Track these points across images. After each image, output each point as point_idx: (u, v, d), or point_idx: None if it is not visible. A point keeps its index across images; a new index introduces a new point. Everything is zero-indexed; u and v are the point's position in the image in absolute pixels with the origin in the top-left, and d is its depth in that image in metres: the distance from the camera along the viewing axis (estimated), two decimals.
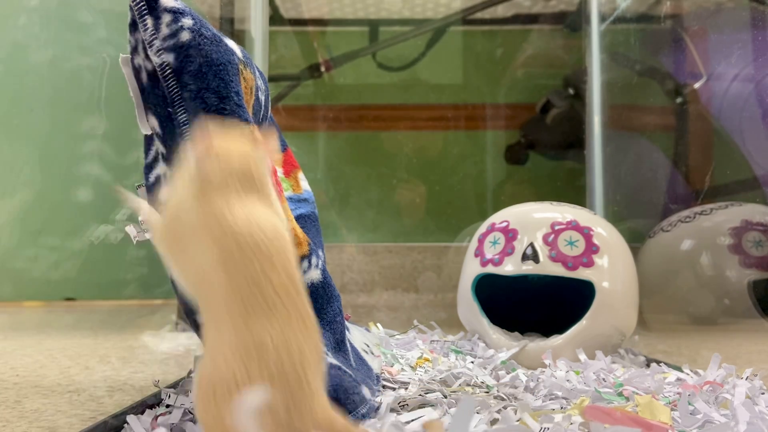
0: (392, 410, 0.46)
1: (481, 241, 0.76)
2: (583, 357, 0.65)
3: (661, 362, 0.67)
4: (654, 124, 1.23)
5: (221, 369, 0.29)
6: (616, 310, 0.69)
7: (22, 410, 0.50)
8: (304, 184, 0.60)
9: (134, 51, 0.40)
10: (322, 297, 0.46)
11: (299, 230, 0.45)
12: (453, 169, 1.50)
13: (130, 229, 0.44)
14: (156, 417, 0.44)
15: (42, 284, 1.35)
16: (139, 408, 0.47)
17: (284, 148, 0.60)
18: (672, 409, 0.46)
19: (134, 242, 0.43)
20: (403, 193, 1.48)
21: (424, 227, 1.48)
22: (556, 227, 0.71)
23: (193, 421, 0.43)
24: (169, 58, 0.39)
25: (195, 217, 0.32)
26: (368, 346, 0.59)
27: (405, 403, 0.47)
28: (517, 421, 0.42)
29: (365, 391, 0.44)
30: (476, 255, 0.76)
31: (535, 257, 0.70)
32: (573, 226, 0.71)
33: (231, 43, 0.44)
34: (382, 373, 0.55)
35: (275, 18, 1.43)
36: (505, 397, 0.50)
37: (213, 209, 0.31)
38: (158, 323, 1.10)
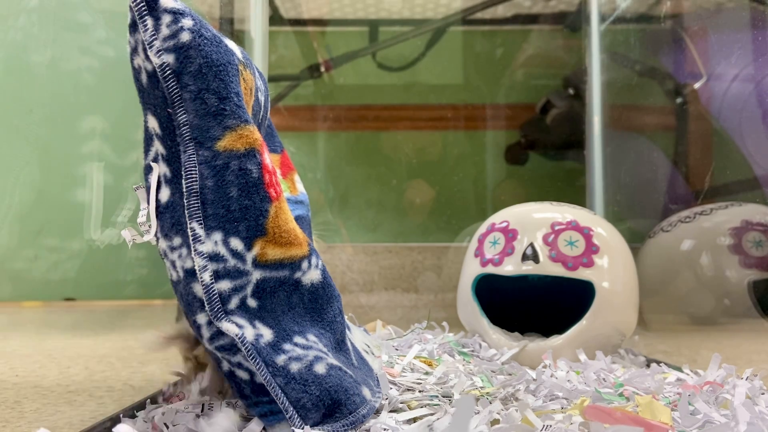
0: (392, 411, 0.46)
1: (481, 241, 0.76)
2: (583, 357, 0.65)
3: (661, 362, 0.67)
4: (654, 124, 1.23)
5: None
6: (616, 310, 0.69)
7: (21, 410, 0.50)
8: (300, 187, 0.60)
9: (134, 52, 0.40)
10: (322, 297, 0.46)
11: (299, 230, 0.45)
12: (453, 169, 1.50)
13: (126, 233, 0.44)
14: (153, 418, 0.44)
15: (42, 284, 1.35)
16: (139, 408, 0.47)
17: (281, 149, 0.60)
18: (672, 410, 0.46)
19: (129, 246, 0.43)
20: (403, 193, 1.48)
21: (424, 227, 1.47)
22: (556, 227, 0.71)
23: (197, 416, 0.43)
24: (169, 58, 0.39)
25: None
26: (369, 346, 0.59)
27: (406, 403, 0.47)
28: (520, 420, 0.42)
29: (366, 392, 0.44)
30: (476, 255, 0.76)
31: (535, 257, 0.70)
32: (573, 226, 0.71)
33: (231, 44, 0.44)
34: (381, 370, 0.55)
35: (275, 18, 1.43)
36: (507, 397, 0.50)
37: None
38: (158, 323, 1.10)
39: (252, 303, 0.41)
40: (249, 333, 0.40)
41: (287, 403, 0.39)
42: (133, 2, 0.39)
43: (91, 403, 0.53)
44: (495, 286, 0.75)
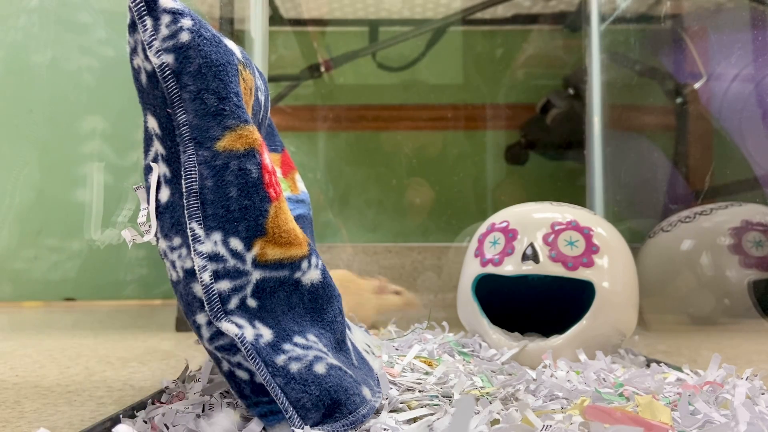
0: (392, 411, 0.46)
1: (481, 241, 0.76)
2: (583, 357, 0.65)
3: (661, 362, 0.67)
4: (654, 124, 1.23)
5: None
6: (616, 310, 0.69)
7: (21, 410, 0.50)
8: (301, 186, 0.60)
9: (133, 52, 0.40)
10: (322, 297, 0.46)
11: (299, 230, 0.45)
12: (453, 169, 1.50)
13: (126, 233, 0.44)
14: (153, 418, 0.44)
15: (42, 284, 1.35)
16: (139, 408, 0.47)
17: (281, 148, 0.60)
18: (672, 410, 0.46)
19: (129, 246, 0.43)
20: (402, 193, 1.48)
21: (424, 227, 1.47)
22: (556, 227, 0.71)
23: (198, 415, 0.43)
24: (168, 58, 0.39)
25: None
26: (369, 346, 0.59)
27: (406, 403, 0.47)
28: (520, 420, 0.42)
29: (366, 392, 0.44)
30: (476, 255, 0.76)
31: (535, 257, 0.69)
32: (573, 226, 0.71)
33: (230, 44, 0.44)
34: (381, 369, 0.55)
35: (275, 18, 1.43)
36: (507, 397, 0.50)
37: None
38: (158, 323, 1.10)
39: (252, 303, 0.41)
40: (249, 333, 0.40)
41: (287, 403, 0.39)
42: (132, 2, 0.39)
43: (91, 403, 0.53)
44: (495, 286, 0.75)
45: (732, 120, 1.01)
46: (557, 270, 0.69)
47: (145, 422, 0.44)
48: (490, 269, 0.73)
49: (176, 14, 0.39)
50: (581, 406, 0.45)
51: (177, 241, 0.41)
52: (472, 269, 0.76)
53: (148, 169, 0.43)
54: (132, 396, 0.56)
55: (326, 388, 0.41)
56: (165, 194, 0.41)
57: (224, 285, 0.40)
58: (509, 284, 0.75)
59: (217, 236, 0.40)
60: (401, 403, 0.48)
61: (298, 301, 0.44)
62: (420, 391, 0.51)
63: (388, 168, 1.50)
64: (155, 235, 0.42)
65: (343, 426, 0.41)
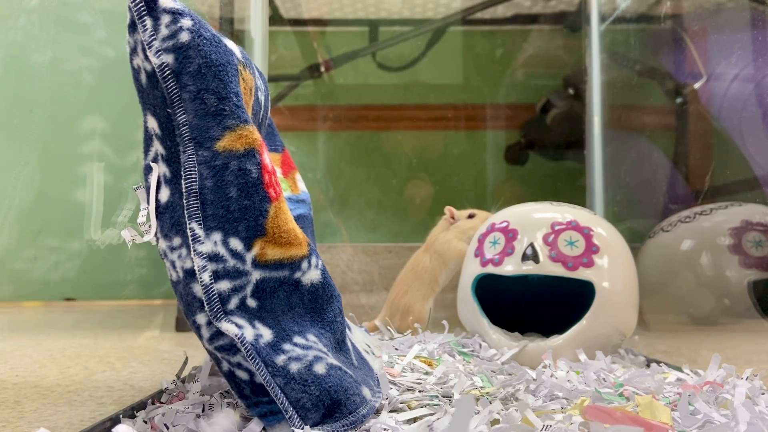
0: (392, 411, 0.46)
1: (481, 241, 0.76)
2: (583, 357, 0.65)
3: (661, 362, 0.67)
4: (654, 124, 1.23)
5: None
6: (616, 310, 0.69)
7: (21, 410, 0.50)
8: (302, 185, 0.60)
9: (133, 52, 0.40)
10: (322, 297, 0.46)
11: (299, 231, 0.45)
12: (453, 169, 1.50)
13: (126, 233, 0.44)
14: (153, 418, 0.44)
15: (42, 284, 1.35)
16: (139, 408, 0.47)
17: (282, 148, 0.60)
18: (672, 410, 0.46)
19: (129, 246, 0.43)
20: (402, 193, 1.48)
21: (424, 227, 1.47)
22: (556, 227, 0.71)
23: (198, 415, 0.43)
24: (168, 58, 0.39)
25: None
26: (369, 346, 0.59)
27: (406, 403, 0.47)
28: (520, 420, 0.42)
29: (366, 392, 0.44)
30: (476, 255, 0.76)
31: (535, 257, 0.69)
32: (573, 226, 0.71)
33: (230, 44, 0.44)
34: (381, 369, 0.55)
35: (275, 18, 1.43)
36: (507, 397, 0.50)
37: None
38: (158, 323, 1.10)
39: (252, 303, 0.41)
40: (248, 333, 0.40)
41: (287, 403, 0.39)
42: (132, 2, 0.39)
43: (91, 403, 0.53)
44: (495, 286, 0.75)
45: (732, 120, 1.00)
46: (557, 270, 0.69)
47: (145, 422, 0.44)
48: (490, 269, 0.73)
49: (176, 14, 0.39)
50: (581, 406, 0.45)
51: (177, 241, 0.41)
52: (472, 269, 0.76)
53: (148, 169, 0.43)
54: (132, 396, 0.56)
55: (326, 388, 0.41)
56: (165, 194, 0.41)
57: (224, 285, 0.40)
58: (509, 284, 0.75)
59: (216, 236, 0.40)
60: (401, 403, 0.48)
61: (298, 301, 0.44)
62: (420, 391, 0.51)
63: (388, 168, 1.50)
64: (155, 235, 0.42)
65: (343, 426, 0.41)
